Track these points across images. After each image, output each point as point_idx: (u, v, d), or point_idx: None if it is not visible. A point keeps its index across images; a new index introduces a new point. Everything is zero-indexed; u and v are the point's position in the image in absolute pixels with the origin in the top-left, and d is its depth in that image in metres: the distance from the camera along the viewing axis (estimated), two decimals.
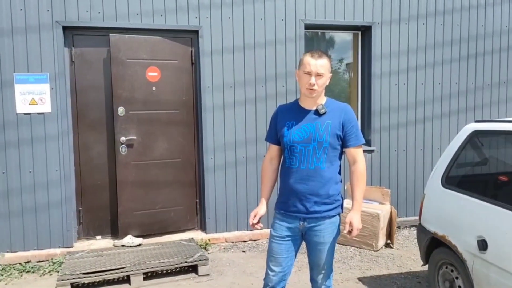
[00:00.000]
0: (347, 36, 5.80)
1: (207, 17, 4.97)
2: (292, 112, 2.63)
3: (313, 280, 2.72)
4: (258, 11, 5.12)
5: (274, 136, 2.70)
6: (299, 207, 2.56)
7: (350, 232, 2.58)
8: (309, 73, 2.48)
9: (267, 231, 5.29)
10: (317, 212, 2.55)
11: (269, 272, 2.67)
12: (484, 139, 3.31)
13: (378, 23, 5.50)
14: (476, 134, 3.25)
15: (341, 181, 2.66)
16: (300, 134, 2.54)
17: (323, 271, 2.65)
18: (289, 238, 2.63)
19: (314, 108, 2.57)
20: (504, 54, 5.90)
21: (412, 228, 5.62)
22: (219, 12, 5.00)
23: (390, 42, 5.56)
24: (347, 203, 2.89)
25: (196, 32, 4.97)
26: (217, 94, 5.07)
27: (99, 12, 4.65)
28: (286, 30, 5.22)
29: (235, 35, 5.08)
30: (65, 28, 4.62)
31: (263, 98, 5.21)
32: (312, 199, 2.53)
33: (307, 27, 5.35)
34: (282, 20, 5.21)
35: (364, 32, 5.67)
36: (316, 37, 5.75)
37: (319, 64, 2.48)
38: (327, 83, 2.58)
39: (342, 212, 2.68)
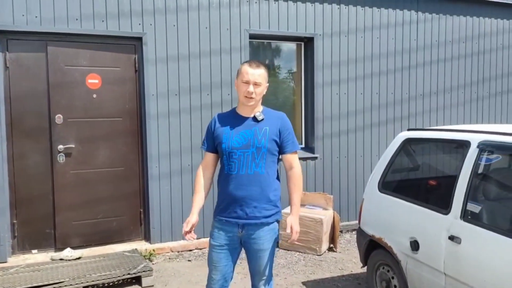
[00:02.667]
0: (291, 46, 5.97)
1: (151, 24, 4.92)
2: (229, 120, 2.67)
3: (254, 286, 2.76)
4: (203, 19, 5.15)
5: (211, 144, 2.71)
6: (239, 212, 2.59)
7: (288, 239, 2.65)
8: (247, 82, 2.55)
9: None
10: (257, 218, 2.58)
11: (210, 280, 2.71)
12: (416, 146, 3.53)
13: (320, 35, 5.70)
14: (408, 141, 3.46)
15: (279, 187, 2.72)
16: (238, 140, 2.58)
17: (264, 277, 2.70)
18: (227, 247, 2.65)
19: (252, 116, 2.64)
20: (434, 66, 6.32)
21: (353, 232, 5.83)
22: (163, 19, 4.97)
23: (331, 53, 5.78)
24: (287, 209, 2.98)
25: (140, 39, 4.91)
26: (161, 102, 5.02)
27: (36, 16, 4.47)
28: (231, 39, 5.28)
29: (180, 43, 5.06)
30: None
31: (209, 105, 5.23)
32: (252, 204, 2.57)
33: (252, 36, 5.45)
34: (227, 29, 5.26)
35: (307, 43, 5.86)
36: (262, 47, 5.86)
37: (257, 74, 2.56)
38: (264, 92, 2.66)
39: (280, 218, 2.72)
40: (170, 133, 5.08)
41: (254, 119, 2.62)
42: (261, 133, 2.58)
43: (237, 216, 2.60)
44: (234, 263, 2.73)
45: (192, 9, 5.09)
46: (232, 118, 2.67)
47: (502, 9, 6.61)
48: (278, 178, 2.70)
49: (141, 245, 5.02)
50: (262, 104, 2.74)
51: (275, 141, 2.61)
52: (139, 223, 5.16)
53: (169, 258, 4.94)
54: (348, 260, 4.90)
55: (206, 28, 5.17)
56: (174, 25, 5.03)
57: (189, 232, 2.64)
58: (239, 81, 2.60)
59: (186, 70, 5.11)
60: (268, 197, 2.60)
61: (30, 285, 3.73)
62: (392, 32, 6.06)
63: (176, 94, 5.08)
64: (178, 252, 5.11)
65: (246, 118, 2.64)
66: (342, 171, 5.94)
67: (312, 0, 5.62)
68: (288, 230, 2.62)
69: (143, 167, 5.10)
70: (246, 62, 2.64)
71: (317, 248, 5.03)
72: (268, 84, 2.69)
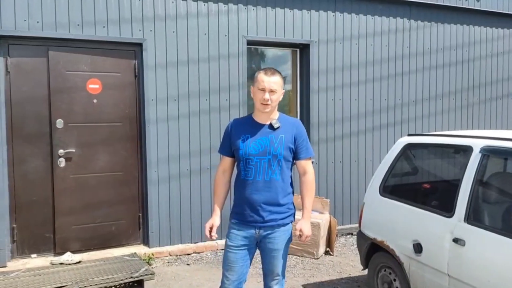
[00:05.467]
0: (287, 52, 6.06)
1: (151, 30, 4.96)
2: (246, 126, 2.75)
3: (267, 286, 2.84)
4: (202, 26, 5.21)
5: (228, 148, 2.80)
6: (255, 217, 2.68)
7: (300, 236, 2.75)
8: (263, 90, 2.64)
9: (211, 243, 5.34)
10: (273, 220, 2.69)
11: (225, 280, 2.76)
12: (416, 151, 3.64)
13: (316, 42, 5.81)
14: (409, 146, 3.56)
15: (293, 191, 2.82)
16: (255, 147, 2.67)
17: (277, 277, 2.79)
18: (244, 247, 2.73)
19: (268, 123, 2.72)
20: (426, 73, 6.48)
21: (348, 236, 5.93)
22: (163, 25, 5.02)
23: (327, 60, 5.88)
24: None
25: (140, 45, 4.94)
26: (161, 107, 5.06)
27: (37, 22, 4.47)
28: (229, 45, 5.35)
29: (179, 49, 5.11)
30: (0, 37, 4.38)
31: (207, 111, 5.28)
32: (267, 208, 2.67)
33: (249, 43, 5.53)
34: (225, 35, 5.33)
35: (302, 49, 5.95)
36: (259, 53, 5.93)
37: (272, 81, 2.65)
38: (280, 99, 2.74)
39: (294, 220, 2.83)
40: (169, 138, 5.12)
41: (271, 126, 2.70)
42: (277, 141, 2.67)
43: (254, 220, 2.69)
44: (249, 264, 2.81)
45: (191, 16, 5.15)
46: (249, 125, 2.75)
47: (491, 18, 6.81)
48: (292, 183, 2.79)
49: (140, 249, 5.04)
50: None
51: (290, 148, 2.70)
52: (137, 227, 5.18)
53: (168, 262, 4.96)
54: (346, 263, 4.99)
55: (205, 34, 5.23)
56: (173, 32, 5.08)
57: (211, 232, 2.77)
58: (255, 88, 2.68)
59: (185, 75, 5.16)
60: (283, 202, 2.71)
61: None
62: (386, 39, 6.20)
63: (175, 100, 5.12)
64: (177, 256, 5.14)
65: (262, 125, 2.72)
66: (337, 176, 6.04)
67: (308, 8, 5.73)
68: (298, 233, 2.74)
69: (142, 171, 5.12)
70: (262, 69, 2.72)
71: (315, 252, 5.11)
72: (284, 91, 2.78)
